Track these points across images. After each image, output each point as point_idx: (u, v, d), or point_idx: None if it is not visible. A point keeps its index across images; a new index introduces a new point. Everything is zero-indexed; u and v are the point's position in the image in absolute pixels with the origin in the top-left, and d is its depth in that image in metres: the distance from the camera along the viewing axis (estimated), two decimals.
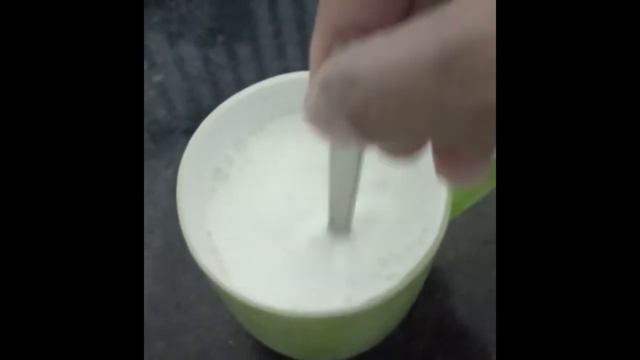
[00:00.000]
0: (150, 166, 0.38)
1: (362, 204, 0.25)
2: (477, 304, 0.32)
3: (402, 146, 0.16)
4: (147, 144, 0.39)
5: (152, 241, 0.35)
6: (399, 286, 0.21)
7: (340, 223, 0.24)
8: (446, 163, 0.16)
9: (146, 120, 0.40)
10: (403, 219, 0.26)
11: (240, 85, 0.42)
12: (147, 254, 0.34)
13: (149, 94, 0.42)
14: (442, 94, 0.12)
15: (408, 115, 0.13)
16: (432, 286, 0.32)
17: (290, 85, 0.28)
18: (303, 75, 0.28)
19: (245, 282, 0.24)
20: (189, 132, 0.40)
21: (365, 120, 0.13)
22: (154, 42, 0.44)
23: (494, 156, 0.15)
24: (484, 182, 0.25)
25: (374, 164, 0.23)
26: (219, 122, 0.27)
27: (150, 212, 0.36)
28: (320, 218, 0.25)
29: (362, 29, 0.15)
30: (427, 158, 0.17)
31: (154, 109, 0.41)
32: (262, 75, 0.43)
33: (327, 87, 0.14)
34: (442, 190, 0.24)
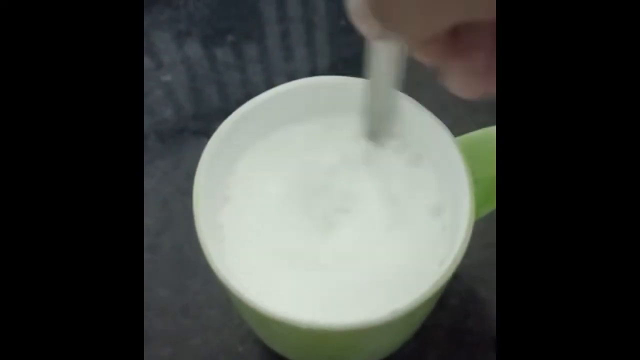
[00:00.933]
0: (158, 167, 0.37)
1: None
2: (493, 310, 0.31)
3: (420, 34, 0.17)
4: (155, 144, 0.39)
5: (160, 244, 0.34)
6: (418, 300, 0.21)
7: (376, 127, 0.25)
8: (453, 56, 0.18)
9: (154, 120, 0.40)
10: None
11: (248, 86, 0.42)
12: (154, 256, 0.34)
13: (157, 93, 0.41)
14: None
15: None
16: (447, 293, 0.31)
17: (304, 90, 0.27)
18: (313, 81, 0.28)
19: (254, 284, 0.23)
20: (197, 133, 0.40)
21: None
22: (162, 40, 0.44)
23: None
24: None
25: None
26: (236, 125, 0.26)
27: (157, 214, 0.35)
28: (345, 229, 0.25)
29: None
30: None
31: (162, 109, 0.40)
32: (270, 76, 0.42)
33: None
34: (466, 198, 0.24)
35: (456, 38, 0.18)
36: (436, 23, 0.16)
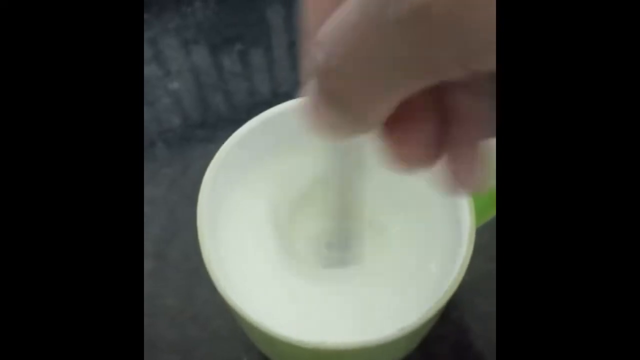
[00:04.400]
0: (166, 175, 0.38)
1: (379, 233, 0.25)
2: (495, 323, 0.32)
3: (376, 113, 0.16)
4: (163, 152, 0.39)
5: (168, 252, 0.35)
6: (425, 317, 0.21)
7: (343, 243, 0.23)
8: (397, 137, 0.17)
9: (161, 128, 0.40)
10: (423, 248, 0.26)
11: (254, 95, 0.42)
12: (163, 265, 0.34)
13: (164, 101, 0.42)
14: (382, 17, 0.13)
15: (365, 56, 0.14)
16: (449, 305, 0.32)
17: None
18: None
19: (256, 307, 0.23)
20: (204, 141, 0.40)
21: (330, 76, 0.14)
22: (170, 48, 0.44)
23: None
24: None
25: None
26: (241, 141, 0.26)
27: (165, 222, 0.36)
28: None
29: None
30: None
31: (169, 117, 0.41)
32: (275, 85, 0.43)
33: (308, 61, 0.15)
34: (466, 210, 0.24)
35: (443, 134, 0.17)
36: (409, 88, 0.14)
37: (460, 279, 0.22)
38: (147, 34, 0.45)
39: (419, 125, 0.16)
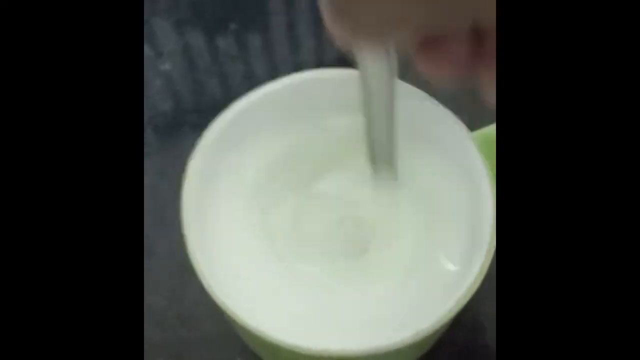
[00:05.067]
0: (155, 164, 0.36)
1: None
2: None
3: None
4: (152, 139, 0.37)
5: (155, 248, 0.33)
6: (441, 320, 0.20)
7: (383, 160, 0.23)
8: (428, 57, 0.17)
9: (152, 113, 0.38)
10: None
11: (251, 78, 0.40)
12: (150, 262, 0.32)
13: (155, 84, 0.39)
14: None
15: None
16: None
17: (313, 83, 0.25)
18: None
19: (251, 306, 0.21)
20: (197, 127, 0.38)
21: (348, 9, 0.15)
22: (161, 29, 0.42)
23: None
24: None
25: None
26: (230, 125, 0.24)
27: (153, 216, 0.34)
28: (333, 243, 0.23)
29: None
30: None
31: (161, 101, 0.38)
32: (274, 68, 0.41)
33: None
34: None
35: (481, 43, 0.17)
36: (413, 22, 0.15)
37: (479, 280, 0.21)
38: None
39: (451, 46, 0.17)
